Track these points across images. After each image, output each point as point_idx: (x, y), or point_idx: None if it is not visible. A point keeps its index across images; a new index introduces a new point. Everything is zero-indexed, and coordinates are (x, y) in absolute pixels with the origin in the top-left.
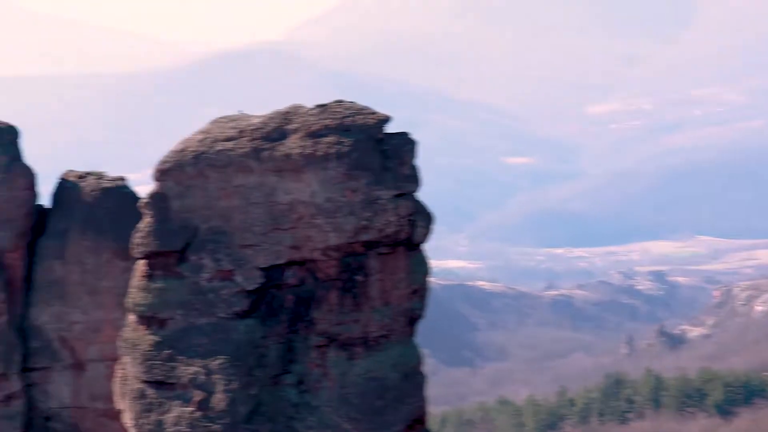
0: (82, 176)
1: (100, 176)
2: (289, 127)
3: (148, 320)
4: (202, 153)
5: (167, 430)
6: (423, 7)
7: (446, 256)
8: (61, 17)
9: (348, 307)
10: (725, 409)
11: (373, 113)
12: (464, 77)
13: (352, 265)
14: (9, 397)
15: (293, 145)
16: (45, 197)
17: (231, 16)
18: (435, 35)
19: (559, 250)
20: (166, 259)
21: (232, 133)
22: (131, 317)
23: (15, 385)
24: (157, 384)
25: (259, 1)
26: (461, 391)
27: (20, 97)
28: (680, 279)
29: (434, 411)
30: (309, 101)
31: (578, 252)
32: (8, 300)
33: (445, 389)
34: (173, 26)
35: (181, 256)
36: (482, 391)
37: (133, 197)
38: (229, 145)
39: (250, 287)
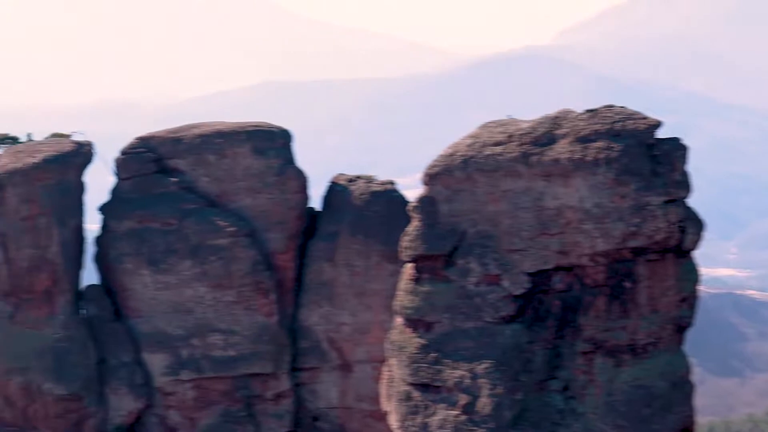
0: (352, 180)
1: (369, 180)
2: (559, 131)
3: (415, 323)
4: (471, 157)
5: None
6: (693, 9)
7: (715, 264)
8: (333, 24)
9: (615, 314)
10: None
11: (644, 118)
12: (736, 82)
13: (620, 271)
14: (278, 396)
15: (562, 149)
16: (316, 200)
17: (498, 22)
18: (706, 39)
19: None
20: (434, 262)
21: (501, 137)
22: (398, 320)
23: (284, 384)
24: (423, 387)
25: (526, 7)
26: (729, 401)
27: (293, 102)
28: None
29: (701, 421)
30: (578, 106)
31: None
32: (279, 301)
33: (712, 399)
34: (443, 32)
35: (449, 259)
36: (751, 402)
37: (401, 201)
38: (498, 149)
39: (517, 292)
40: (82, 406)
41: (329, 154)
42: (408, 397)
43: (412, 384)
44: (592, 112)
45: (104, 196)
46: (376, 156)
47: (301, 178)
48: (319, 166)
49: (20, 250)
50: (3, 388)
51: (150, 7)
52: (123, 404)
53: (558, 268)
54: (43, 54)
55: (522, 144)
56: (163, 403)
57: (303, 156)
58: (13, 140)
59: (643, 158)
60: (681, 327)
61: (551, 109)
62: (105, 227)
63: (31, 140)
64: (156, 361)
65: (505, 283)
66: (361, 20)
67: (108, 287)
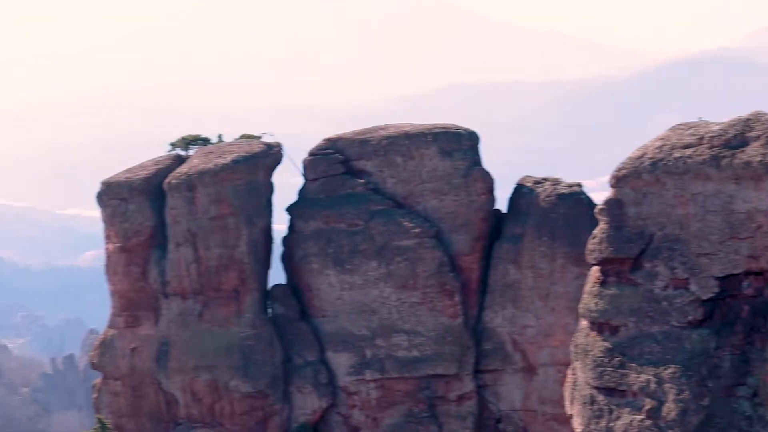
0: (539, 182)
1: (556, 182)
2: (750, 134)
3: (600, 326)
4: (660, 160)
5: None
6: None
7: None
8: (521, 26)
9: None
10: None
11: None
12: None
13: None
14: (461, 398)
15: (754, 152)
16: (501, 202)
17: (686, 24)
18: None
19: None
20: (620, 265)
21: (690, 140)
22: (583, 323)
23: (468, 385)
24: (608, 390)
25: (717, 8)
26: None
27: (481, 103)
28: None
29: None
30: None
31: None
32: (463, 302)
33: None
34: (630, 34)
35: (636, 263)
36: None
37: (588, 203)
38: (688, 152)
39: (705, 296)
40: (267, 404)
41: (516, 156)
42: (592, 401)
43: (596, 387)
44: None
45: (292, 197)
46: (563, 158)
47: (487, 180)
48: (505, 168)
49: (209, 250)
50: (190, 385)
51: (336, 12)
52: (307, 403)
53: (748, 273)
54: (230, 57)
55: (712, 147)
56: (346, 403)
57: (489, 158)
58: (205, 141)
59: None
60: None
61: (743, 112)
62: (292, 227)
63: (221, 141)
64: (340, 361)
65: (693, 287)
66: (547, 21)
67: (294, 287)
